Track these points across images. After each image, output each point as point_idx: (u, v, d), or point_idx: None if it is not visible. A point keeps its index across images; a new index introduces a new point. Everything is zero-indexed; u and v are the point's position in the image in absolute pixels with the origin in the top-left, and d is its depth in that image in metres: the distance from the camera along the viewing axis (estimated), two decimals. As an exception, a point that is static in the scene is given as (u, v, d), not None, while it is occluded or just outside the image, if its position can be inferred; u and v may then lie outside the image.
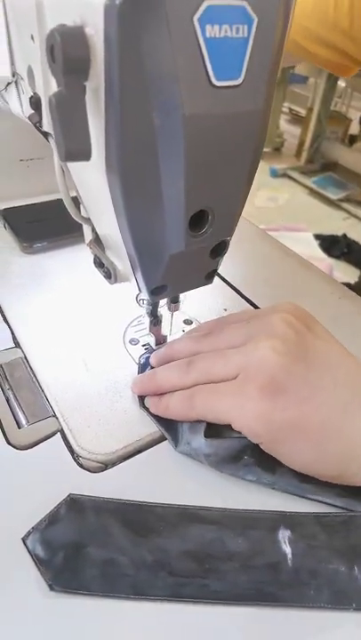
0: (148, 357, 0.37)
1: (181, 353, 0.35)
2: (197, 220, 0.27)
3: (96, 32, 0.21)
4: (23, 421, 0.33)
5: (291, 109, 3.66)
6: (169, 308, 0.39)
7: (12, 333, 0.40)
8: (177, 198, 0.25)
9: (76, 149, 0.22)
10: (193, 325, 0.44)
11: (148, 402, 0.34)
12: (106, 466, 0.31)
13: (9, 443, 0.32)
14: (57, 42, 0.20)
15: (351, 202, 2.75)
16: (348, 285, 1.14)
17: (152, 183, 0.25)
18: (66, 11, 0.23)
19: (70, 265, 0.50)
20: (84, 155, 0.22)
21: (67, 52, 0.21)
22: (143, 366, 0.37)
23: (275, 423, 0.28)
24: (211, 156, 0.24)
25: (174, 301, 0.38)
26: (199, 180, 0.25)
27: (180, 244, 0.27)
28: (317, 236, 2.30)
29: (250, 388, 0.29)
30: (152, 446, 0.32)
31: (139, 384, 0.35)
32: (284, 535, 0.28)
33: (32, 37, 0.27)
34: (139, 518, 0.28)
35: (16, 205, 0.58)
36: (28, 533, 0.26)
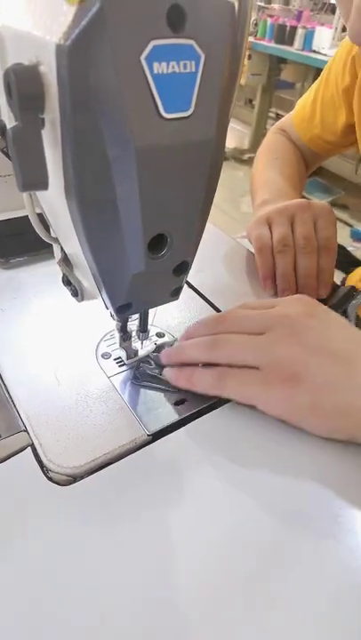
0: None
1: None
2: (157, 243, 0.28)
3: (50, 70, 0.22)
4: (-5, 436, 0.34)
5: (278, 115, 3.69)
6: (139, 337, 0.40)
7: (-14, 349, 0.41)
8: (134, 224, 0.26)
9: (33, 180, 0.23)
10: (165, 338, 0.45)
11: (166, 373, 0.39)
12: (74, 479, 0.32)
13: (-20, 458, 0.32)
14: (12, 80, 0.22)
15: (337, 206, 2.78)
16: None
17: (110, 210, 0.26)
18: (24, 49, 0.24)
19: (47, 279, 0.50)
20: (41, 185, 0.23)
21: (21, 89, 0.22)
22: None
23: (294, 406, 0.34)
24: (165, 185, 0.26)
25: (143, 330, 0.40)
26: (155, 207, 0.26)
27: (141, 265, 0.28)
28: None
29: (275, 380, 0.34)
30: (119, 459, 0.33)
31: (166, 355, 0.40)
32: None
33: (-5, 69, 0.28)
34: None
35: (-6, 220, 0.58)
36: None
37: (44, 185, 0.24)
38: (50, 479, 0.32)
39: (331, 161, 3.03)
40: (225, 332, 0.39)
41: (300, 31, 2.71)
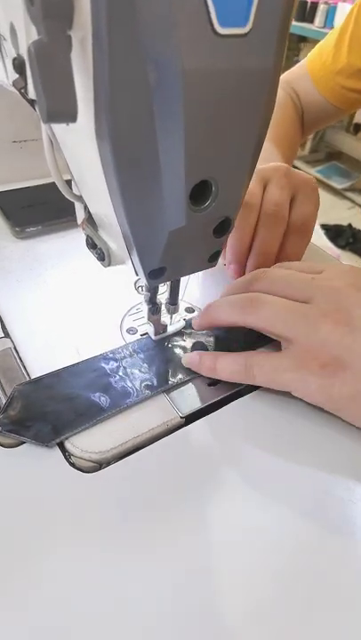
0: None
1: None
2: (199, 192, 0.24)
3: (80, -30, 0.18)
4: (11, 417, 0.31)
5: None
6: (168, 311, 0.37)
7: (2, 322, 0.38)
8: (176, 167, 0.22)
9: (59, 108, 0.19)
10: (195, 313, 0.41)
11: (185, 359, 0.35)
12: (100, 465, 0.29)
13: (-4, 440, 0.29)
14: (35, -20, 0.18)
15: (356, 191, 2.71)
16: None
17: (148, 150, 0.22)
18: None
19: (65, 249, 0.47)
20: (69, 115, 0.19)
21: (46, -8, 0.18)
22: None
23: (334, 395, 0.30)
24: (214, 119, 0.21)
25: (173, 303, 0.36)
26: (201, 146, 0.22)
27: (181, 219, 0.24)
28: (323, 226, 2.26)
29: (312, 365, 0.30)
30: (150, 444, 0.30)
31: (197, 320, 0.37)
32: None
33: (13, -12, 0.24)
34: None
35: (9, 189, 0.55)
36: None
37: (71, 116, 0.19)
38: (73, 465, 0.28)
39: (350, 145, 2.95)
40: (263, 291, 0.34)
41: (321, 7, 2.61)
